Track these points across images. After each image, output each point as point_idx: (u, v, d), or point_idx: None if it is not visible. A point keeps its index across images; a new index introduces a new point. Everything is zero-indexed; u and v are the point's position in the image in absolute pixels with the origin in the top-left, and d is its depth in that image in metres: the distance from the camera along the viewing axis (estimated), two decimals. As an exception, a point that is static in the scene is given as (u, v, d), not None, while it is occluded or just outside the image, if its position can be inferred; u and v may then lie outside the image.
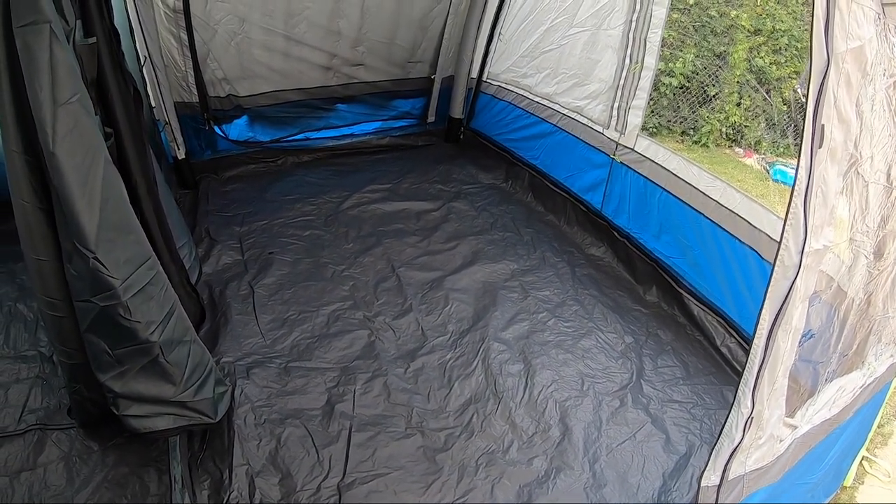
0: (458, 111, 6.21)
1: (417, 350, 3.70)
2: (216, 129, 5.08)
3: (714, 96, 7.97)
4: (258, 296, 3.94)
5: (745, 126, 8.13)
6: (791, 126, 8.11)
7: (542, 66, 5.16)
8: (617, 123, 4.48)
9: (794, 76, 8.17)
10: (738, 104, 8.05)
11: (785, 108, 8.20)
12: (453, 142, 6.37)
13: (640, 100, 4.27)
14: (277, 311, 3.86)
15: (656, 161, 4.24)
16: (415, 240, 4.73)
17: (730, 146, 8.23)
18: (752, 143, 8.16)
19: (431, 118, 6.24)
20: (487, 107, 5.95)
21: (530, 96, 5.38)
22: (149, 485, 2.81)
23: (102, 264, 2.19)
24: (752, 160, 8.05)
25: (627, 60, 4.28)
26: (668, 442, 3.30)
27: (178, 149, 4.79)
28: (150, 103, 4.34)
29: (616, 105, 4.45)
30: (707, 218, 3.94)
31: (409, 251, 4.59)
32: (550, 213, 5.30)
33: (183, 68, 4.68)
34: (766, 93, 8.06)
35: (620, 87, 4.38)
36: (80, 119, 2.14)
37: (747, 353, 3.53)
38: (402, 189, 5.42)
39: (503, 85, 5.68)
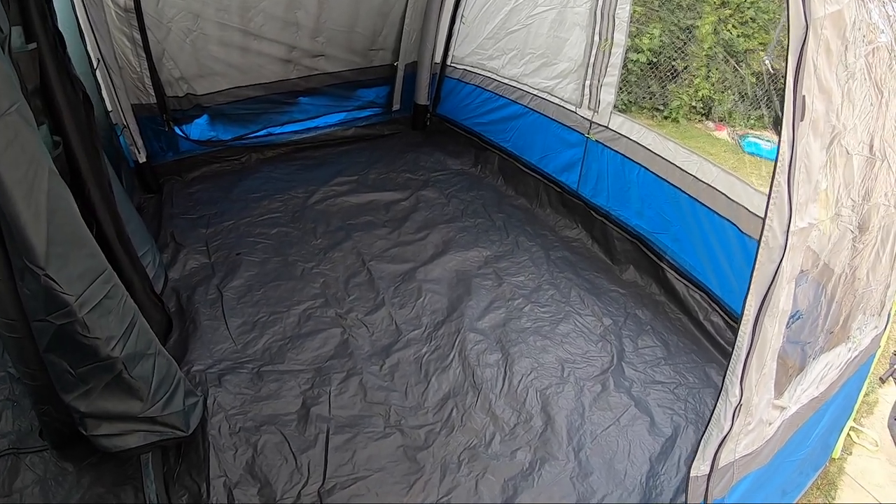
0: (423, 97, 6.09)
1: (392, 345, 3.62)
2: (176, 129, 4.91)
3: (683, 70, 7.95)
4: (227, 299, 3.82)
5: (715, 99, 8.14)
6: (764, 98, 8.12)
7: (507, 48, 5.06)
8: (590, 102, 4.40)
9: (762, 48, 8.16)
10: (707, 78, 8.04)
11: (754, 80, 8.19)
12: (420, 129, 6.27)
13: (612, 77, 4.20)
14: (247, 313, 3.74)
15: (631, 138, 4.18)
16: (384, 231, 4.64)
17: (700, 120, 8.24)
18: (724, 116, 8.16)
19: (396, 106, 6.12)
20: (453, 91, 5.85)
21: (498, 78, 5.28)
22: (125, 504, 2.71)
23: (55, 281, 2.07)
24: (724, 133, 8.06)
25: (596, 38, 4.20)
26: (653, 425, 3.27)
27: (139, 152, 4.61)
28: (105, 108, 4.16)
29: (588, 83, 4.38)
30: (685, 193, 3.91)
31: (379, 244, 4.49)
32: (522, 196, 5.23)
33: (138, 69, 4.51)
34: (736, 65, 8.03)
35: (591, 64, 4.31)
36: (21, 130, 2.00)
37: (732, 328, 3.59)
38: (370, 180, 5.31)
39: (469, 68, 5.57)
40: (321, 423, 3.13)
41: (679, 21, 7.92)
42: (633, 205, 4.32)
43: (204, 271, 4.06)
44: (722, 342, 3.76)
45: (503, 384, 3.43)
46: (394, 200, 5.04)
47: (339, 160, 5.58)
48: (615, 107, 4.32)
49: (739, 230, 3.57)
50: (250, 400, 3.21)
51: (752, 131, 8.17)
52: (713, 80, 8.09)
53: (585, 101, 4.44)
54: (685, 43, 7.87)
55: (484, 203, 5.09)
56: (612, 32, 4.11)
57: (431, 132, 6.22)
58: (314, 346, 3.57)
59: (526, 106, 5.02)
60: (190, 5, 4.49)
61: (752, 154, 7.42)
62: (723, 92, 8.16)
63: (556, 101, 4.73)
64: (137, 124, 4.59)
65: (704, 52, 7.91)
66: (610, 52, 4.16)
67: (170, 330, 3.51)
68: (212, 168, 5.22)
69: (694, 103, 8.09)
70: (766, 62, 8.07)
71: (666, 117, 8.01)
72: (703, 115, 8.24)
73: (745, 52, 8.08)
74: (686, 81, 8.02)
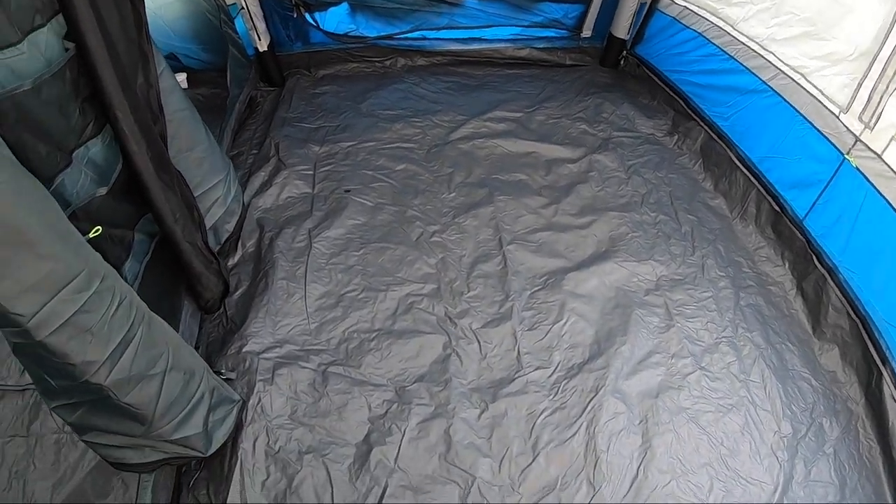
0: (622, 30, 4.79)
1: (504, 384, 2.69)
2: (307, 17, 4.00)
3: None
4: (315, 254, 3.00)
5: None
6: None
7: (759, -5, 3.66)
8: (864, 112, 3.04)
9: None
10: None
11: None
12: (610, 67, 5.04)
13: (913, 88, 2.83)
14: (335, 281, 2.92)
15: (913, 183, 2.86)
16: (538, 203, 3.59)
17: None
18: None
19: (587, 32, 4.88)
20: (665, 32, 4.51)
21: (733, 33, 3.90)
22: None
23: None
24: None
25: (906, 23, 2.81)
26: None
27: (260, 39, 3.83)
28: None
29: (871, 85, 3.00)
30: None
31: (526, 219, 3.48)
32: (722, 195, 3.96)
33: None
34: None
35: (883, 59, 2.92)
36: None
37: None
38: (535, 123, 4.20)
39: (694, 8, 4.20)
40: (380, 473, 2.36)
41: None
42: (879, 274, 3.04)
43: (301, 205, 3.25)
44: None
45: (629, 490, 2.47)
46: (559, 159, 3.95)
47: (503, 87, 4.49)
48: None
49: None
50: (304, 411, 2.48)
51: None
52: None
53: (857, 108, 3.08)
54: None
55: (672, 192, 3.91)
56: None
57: (623, 75, 4.97)
58: (405, 353, 2.72)
59: (766, 82, 3.67)
60: None
61: None
62: None
63: (814, 91, 3.37)
64: (260, 6, 3.77)
65: None
66: (923, 51, 2.78)
67: (227, 293, 2.73)
68: (346, 68, 4.36)
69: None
70: None
71: None
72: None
73: None
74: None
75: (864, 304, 3.09)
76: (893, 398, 2.86)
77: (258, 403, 2.42)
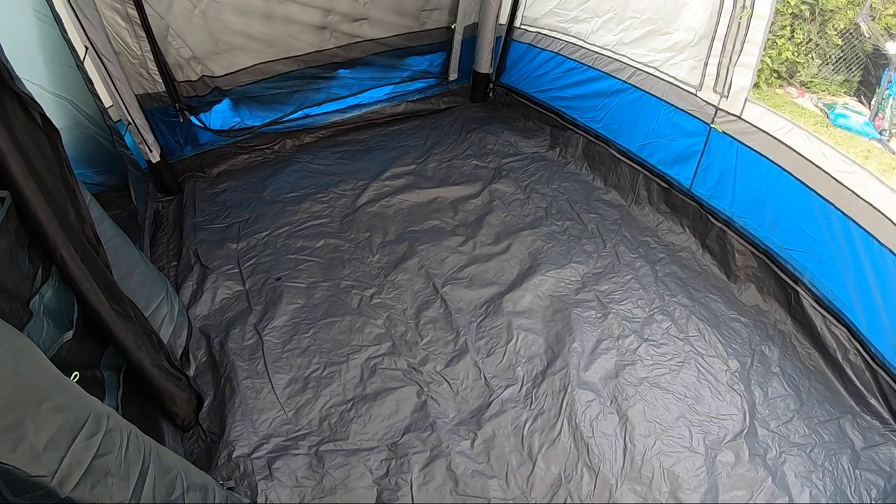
0: (485, 65, 5.17)
1: (483, 410, 2.85)
2: (193, 119, 4.05)
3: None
4: (269, 346, 3.03)
5: (799, 62, 7.16)
6: (853, 61, 7.17)
7: (600, 9, 4.10)
8: (716, 84, 3.49)
9: (851, 6, 7.16)
10: (791, 38, 7.06)
11: (840, 41, 7.23)
12: (481, 101, 5.39)
13: (751, 56, 3.27)
14: (296, 366, 2.97)
15: (772, 134, 3.30)
16: (456, 242, 3.81)
17: (782, 86, 7.28)
18: (807, 80, 7.23)
19: (454, 75, 5.20)
20: (524, 58, 4.91)
21: (586, 46, 4.33)
22: None
23: (10, 465, 1.29)
24: (807, 100, 7.13)
25: (730, 4, 3.26)
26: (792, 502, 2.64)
27: (151, 151, 3.81)
28: (101, 104, 3.30)
29: (716, 61, 3.45)
30: (838, 209, 3.09)
31: (451, 259, 3.67)
32: (614, 188, 4.35)
33: (139, 53, 3.64)
34: (822, 23, 7.07)
35: (720, 38, 3.38)
36: None
37: (872, 372, 3.10)
38: (430, 170, 4.45)
39: (544, 32, 4.62)
40: (405, 526, 2.41)
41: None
42: (767, 214, 3.48)
43: (238, 304, 3.27)
44: (859, 386, 3.08)
45: (623, 461, 2.69)
46: (462, 197, 4.20)
47: (391, 143, 4.72)
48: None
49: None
50: (311, 496, 2.50)
51: (836, 99, 7.26)
52: (797, 40, 7.11)
53: (710, 83, 3.53)
54: (770, 1, 6.87)
55: (570, 199, 4.24)
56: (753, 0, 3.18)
57: (495, 106, 5.33)
58: (385, 412, 2.81)
59: (626, 81, 4.09)
60: (196, -34, 3.58)
61: (843, 128, 6.49)
62: (807, 54, 7.19)
63: (669, 79, 3.81)
64: (146, 118, 3.77)
65: (790, 10, 6.91)
66: (749, 25, 3.23)
67: (200, 407, 2.73)
68: (239, 160, 4.39)
69: (776, 67, 7.12)
70: (860, 23, 7.10)
71: (746, 82, 7.04)
72: (785, 79, 7.28)
73: (833, 10, 7.09)
74: (769, 42, 7.03)
75: (764, 240, 3.54)
76: (813, 307, 3.31)
77: (266, 502, 2.43)
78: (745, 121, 3.42)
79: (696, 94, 3.64)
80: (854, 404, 3.05)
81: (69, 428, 1.47)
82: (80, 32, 3.12)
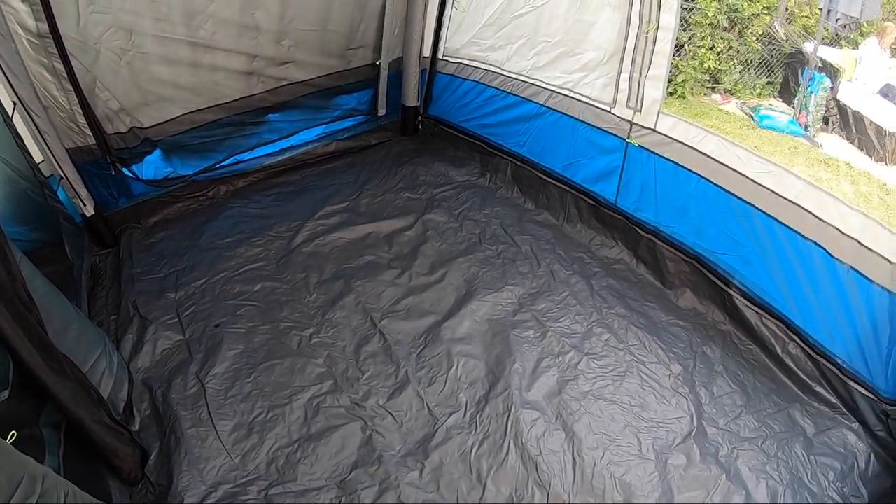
0: (412, 98, 5.28)
1: (429, 439, 2.85)
2: (125, 171, 4.00)
3: (687, 41, 7.24)
4: (211, 393, 2.99)
5: (721, 70, 7.47)
6: (773, 64, 7.51)
7: (514, 36, 4.24)
8: (629, 99, 3.62)
9: (767, 12, 7.52)
10: (711, 48, 7.36)
11: (759, 46, 7.58)
12: (411, 134, 5.49)
13: (660, 69, 3.42)
14: (239, 412, 2.93)
15: (687, 143, 3.45)
16: (391, 275, 3.84)
17: (706, 94, 7.57)
18: (731, 87, 7.54)
19: (382, 111, 5.27)
20: (448, 89, 5.03)
21: (503, 73, 4.46)
22: None
23: None
24: (732, 105, 7.43)
25: (635, 20, 3.40)
26: (749, 496, 2.70)
27: (85, 205, 3.76)
28: (31, 160, 3.25)
29: (627, 77, 3.58)
30: (759, 209, 3.25)
31: (387, 293, 3.69)
32: (545, 209, 4.46)
33: (67, 106, 3.59)
34: (741, 31, 7.40)
35: (629, 53, 3.51)
36: None
37: (812, 360, 3.23)
38: (363, 206, 4.49)
39: (465, 62, 4.75)
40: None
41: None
42: (691, 221, 3.60)
43: (179, 354, 3.22)
44: (803, 376, 3.22)
45: (574, 475, 2.72)
46: (396, 230, 4.24)
47: (324, 182, 4.74)
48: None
49: (829, 254, 2.98)
50: (263, 542, 2.44)
51: (760, 101, 7.58)
52: (717, 49, 7.42)
53: (622, 99, 3.66)
54: (688, 12, 7.16)
55: (502, 223, 4.32)
56: (658, 13, 3.32)
57: (425, 138, 5.42)
58: (331, 450, 2.78)
59: (543, 104, 4.22)
60: (119, 19, 3.55)
61: (769, 129, 6.76)
62: (729, 62, 7.52)
63: (584, 99, 3.94)
64: (78, 172, 3.72)
65: (708, 21, 7.22)
66: (655, 38, 3.37)
67: (145, 460, 2.68)
68: (174, 209, 4.35)
69: (699, 76, 7.40)
70: (777, 27, 7.46)
71: (671, 94, 7.29)
72: (709, 88, 7.58)
73: (750, 17, 7.44)
74: (690, 53, 7.32)
75: (693, 246, 3.67)
76: (746, 305, 3.44)
77: (219, 553, 2.39)
78: (659, 133, 3.55)
79: (610, 111, 3.76)
80: (801, 393, 3.17)
81: (2, 491, 1.45)
82: (7, 88, 3.09)
